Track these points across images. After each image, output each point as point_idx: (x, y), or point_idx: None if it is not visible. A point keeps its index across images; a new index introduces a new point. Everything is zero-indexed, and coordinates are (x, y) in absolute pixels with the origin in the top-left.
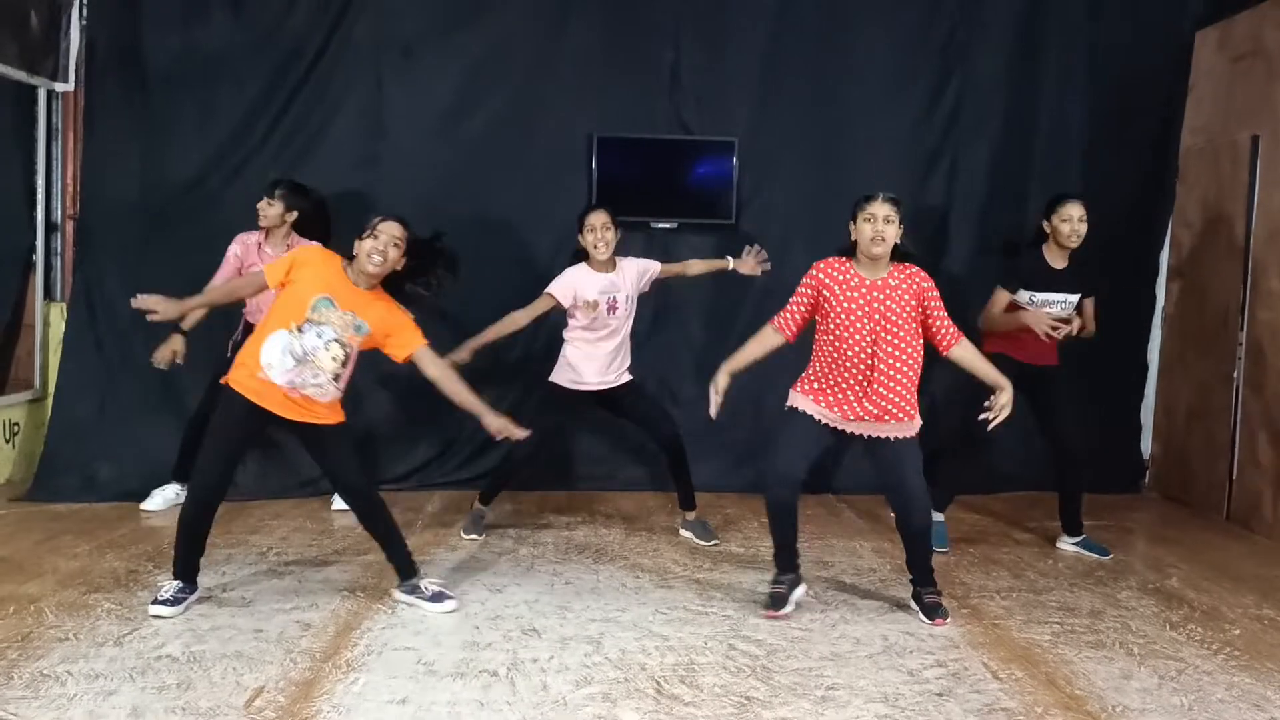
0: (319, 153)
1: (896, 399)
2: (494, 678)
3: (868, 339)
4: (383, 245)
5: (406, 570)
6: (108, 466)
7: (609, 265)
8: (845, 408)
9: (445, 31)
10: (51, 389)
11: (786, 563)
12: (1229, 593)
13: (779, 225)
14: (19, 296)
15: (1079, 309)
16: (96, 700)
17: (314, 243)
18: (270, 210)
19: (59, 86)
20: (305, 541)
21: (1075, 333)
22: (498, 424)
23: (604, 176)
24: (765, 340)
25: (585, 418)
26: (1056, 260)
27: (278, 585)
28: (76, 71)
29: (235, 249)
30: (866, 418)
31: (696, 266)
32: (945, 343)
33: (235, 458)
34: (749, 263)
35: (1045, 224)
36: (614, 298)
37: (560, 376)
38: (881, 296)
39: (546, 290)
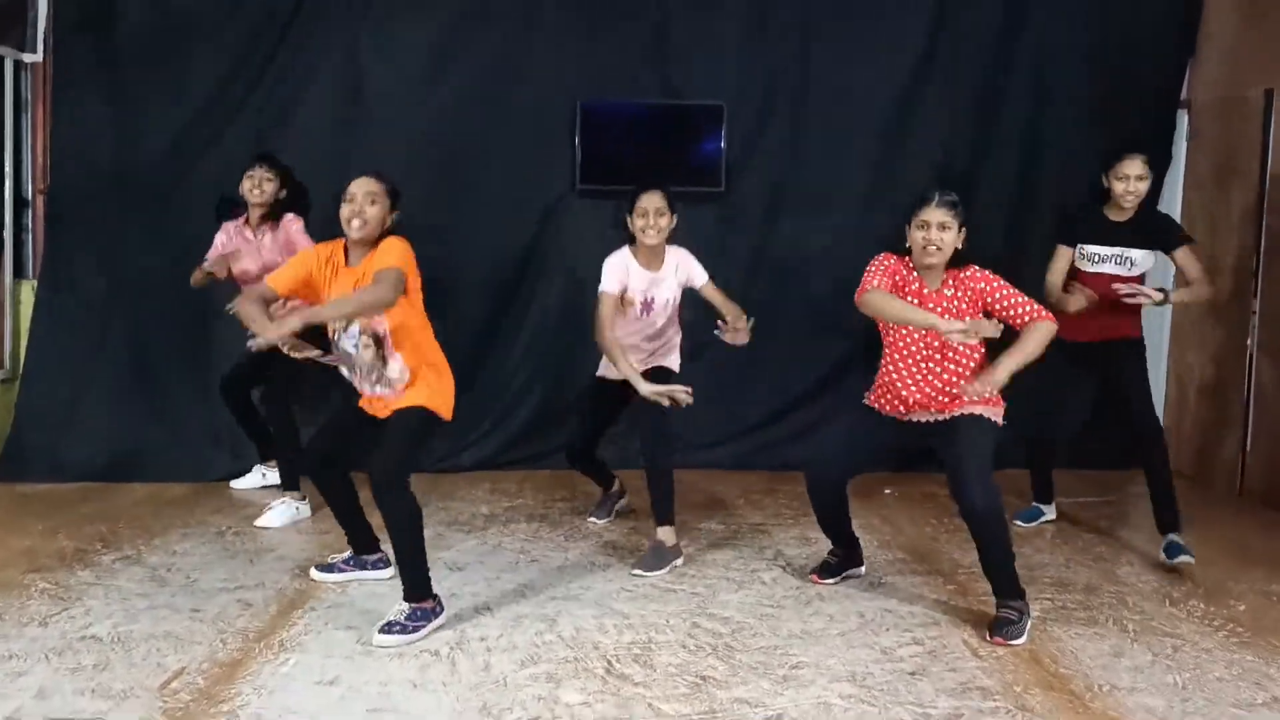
0: (294, 120)
1: None
2: (434, 657)
3: None
4: (358, 207)
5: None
6: (75, 447)
7: (656, 256)
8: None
9: None
10: (22, 369)
11: None
12: (1236, 568)
13: (768, 192)
14: None
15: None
16: (3, 682)
17: (297, 217)
18: (268, 186)
19: (27, 57)
20: None
21: (1157, 300)
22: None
23: (588, 143)
24: None
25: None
26: (1116, 214)
27: (228, 565)
28: (45, 41)
29: (221, 237)
30: None
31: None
32: None
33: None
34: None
35: (1104, 180)
36: (651, 297)
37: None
38: None
39: (601, 290)
